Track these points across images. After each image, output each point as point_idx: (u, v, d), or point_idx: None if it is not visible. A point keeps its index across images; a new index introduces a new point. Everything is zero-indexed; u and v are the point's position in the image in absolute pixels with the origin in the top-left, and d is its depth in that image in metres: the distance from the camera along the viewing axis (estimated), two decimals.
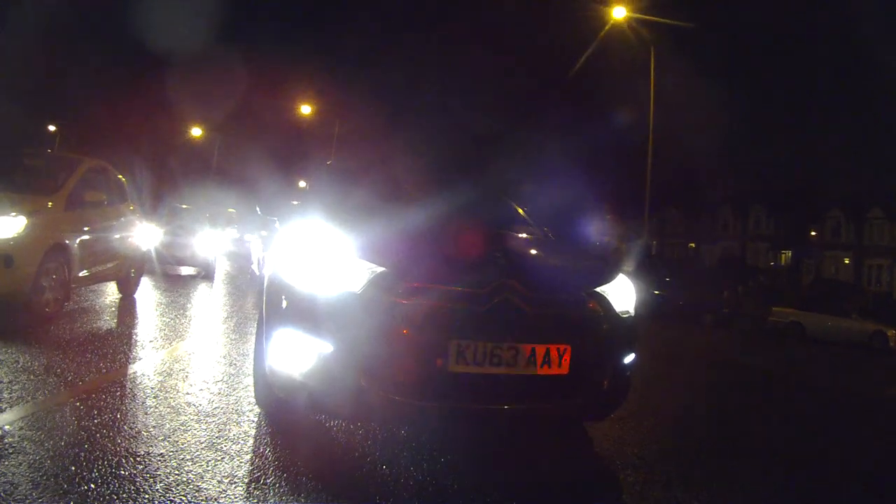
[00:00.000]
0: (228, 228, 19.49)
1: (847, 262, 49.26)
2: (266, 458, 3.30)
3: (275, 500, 2.82)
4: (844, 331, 21.51)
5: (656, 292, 19.65)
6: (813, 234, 50.66)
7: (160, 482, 2.79)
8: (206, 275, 14.80)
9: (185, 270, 15.37)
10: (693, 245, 52.55)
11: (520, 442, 4.22)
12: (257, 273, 13.35)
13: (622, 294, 3.98)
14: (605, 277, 3.99)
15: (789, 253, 51.55)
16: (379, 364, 3.26)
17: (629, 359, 3.93)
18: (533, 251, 4.65)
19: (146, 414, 3.82)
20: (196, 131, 43.03)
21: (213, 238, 15.79)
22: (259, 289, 4.72)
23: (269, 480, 3.00)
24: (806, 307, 23.14)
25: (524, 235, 4.92)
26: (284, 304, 3.53)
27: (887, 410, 8.44)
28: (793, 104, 64.26)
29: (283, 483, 2.99)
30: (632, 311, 4.04)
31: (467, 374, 3.28)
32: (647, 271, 19.94)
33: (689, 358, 11.20)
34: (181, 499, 2.66)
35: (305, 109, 37.70)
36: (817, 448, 5.21)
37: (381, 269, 3.39)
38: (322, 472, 3.26)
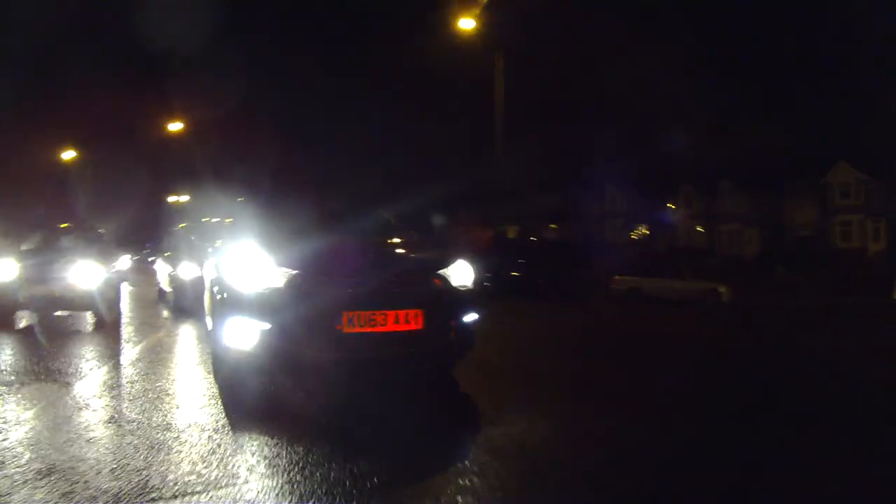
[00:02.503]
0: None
1: (700, 229, 52.50)
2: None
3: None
4: (680, 291, 23.91)
5: (514, 273, 21.70)
6: (671, 206, 53.60)
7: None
8: (98, 319, 10.25)
9: (87, 319, 10.58)
10: (555, 226, 54.33)
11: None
12: (166, 289, 14.60)
13: (462, 273, 5.66)
14: (446, 262, 5.67)
15: (645, 227, 54.46)
16: (299, 332, 4.83)
17: (470, 318, 5.54)
18: (398, 250, 6.51)
19: None
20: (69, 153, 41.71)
21: (108, 263, 11.52)
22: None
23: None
24: (646, 273, 25.57)
25: (394, 239, 6.71)
26: (231, 299, 5.06)
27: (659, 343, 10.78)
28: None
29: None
30: (470, 285, 5.68)
31: (356, 333, 4.87)
32: (505, 255, 22.22)
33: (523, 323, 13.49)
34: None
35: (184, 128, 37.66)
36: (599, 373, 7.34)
37: (295, 271, 4.99)
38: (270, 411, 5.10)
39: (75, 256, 10.39)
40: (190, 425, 4.44)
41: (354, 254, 5.64)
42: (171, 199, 55.68)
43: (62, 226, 13.54)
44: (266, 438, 4.21)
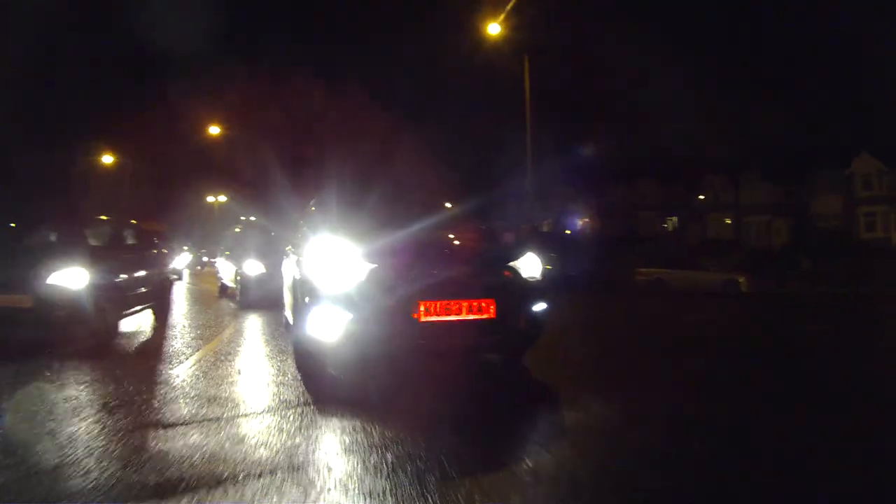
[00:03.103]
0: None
1: (728, 221, 52.92)
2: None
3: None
4: (702, 282, 24.67)
5: (546, 266, 22.69)
6: (701, 197, 53.87)
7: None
8: (90, 329, 7.88)
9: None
10: (586, 220, 54.29)
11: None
12: (229, 285, 16.21)
13: (531, 265, 5.83)
14: (515, 255, 5.87)
15: (675, 219, 54.88)
16: (379, 321, 5.04)
17: (539, 308, 5.70)
18: (470, 242, 6.52)
19: None
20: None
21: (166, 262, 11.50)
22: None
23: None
24: (670, 265, 26.37)
25: (465, 232, 6.72)
26: (316, 292, 5.25)
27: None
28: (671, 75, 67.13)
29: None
30: (538, 276, 5.85)
31: (432, 322, 5.09)
32: (540, 249, 23.02)
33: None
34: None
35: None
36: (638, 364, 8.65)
37: (374, 265, 5.17)
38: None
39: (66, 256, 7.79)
40: (293, 377, 5.98)
41: (428, 247, 5.81)
42: (210, 199, 57.95)
43: (102, 217, 10.83)
44: (349, 388, 5.49)
